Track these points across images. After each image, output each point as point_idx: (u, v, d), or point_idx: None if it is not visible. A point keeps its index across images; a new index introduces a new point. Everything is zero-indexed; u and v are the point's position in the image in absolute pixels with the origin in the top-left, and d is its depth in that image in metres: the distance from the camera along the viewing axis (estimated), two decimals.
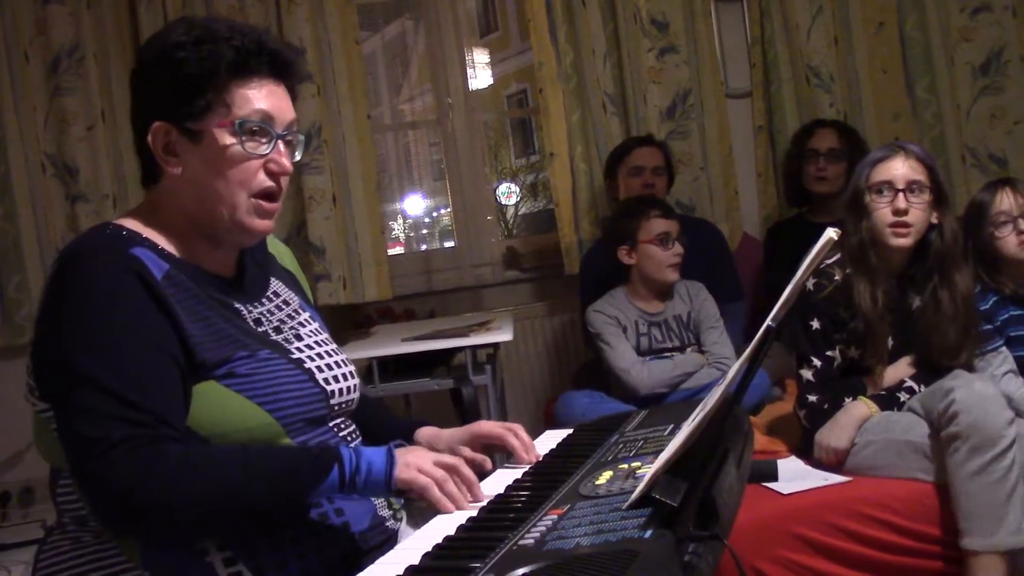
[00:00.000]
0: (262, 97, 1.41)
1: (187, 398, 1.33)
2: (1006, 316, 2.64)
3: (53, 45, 3.63)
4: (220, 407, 1.34)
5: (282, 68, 1.45)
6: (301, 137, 1.50)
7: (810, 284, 2.51)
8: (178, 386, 1.32)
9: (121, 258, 1.33)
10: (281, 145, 1.43)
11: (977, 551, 2.19)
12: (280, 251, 1.70)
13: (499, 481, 1.45)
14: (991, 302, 2.65)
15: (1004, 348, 2.61)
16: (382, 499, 1.52)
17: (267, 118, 1.41)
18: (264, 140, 1.41)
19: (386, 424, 1.72)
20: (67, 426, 1.28)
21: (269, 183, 1.43)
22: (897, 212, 2.45)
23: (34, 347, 1.35)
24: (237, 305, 1.46)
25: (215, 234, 1.44)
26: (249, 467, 1.30)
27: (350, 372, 1.56)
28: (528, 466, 1.54)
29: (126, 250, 1.34)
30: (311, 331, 1.56)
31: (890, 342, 2.53)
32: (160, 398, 1.29)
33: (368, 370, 2.98)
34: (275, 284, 1.58)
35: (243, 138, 1.39)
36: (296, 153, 1.48)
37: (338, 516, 1.42)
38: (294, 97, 1.50)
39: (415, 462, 1.36)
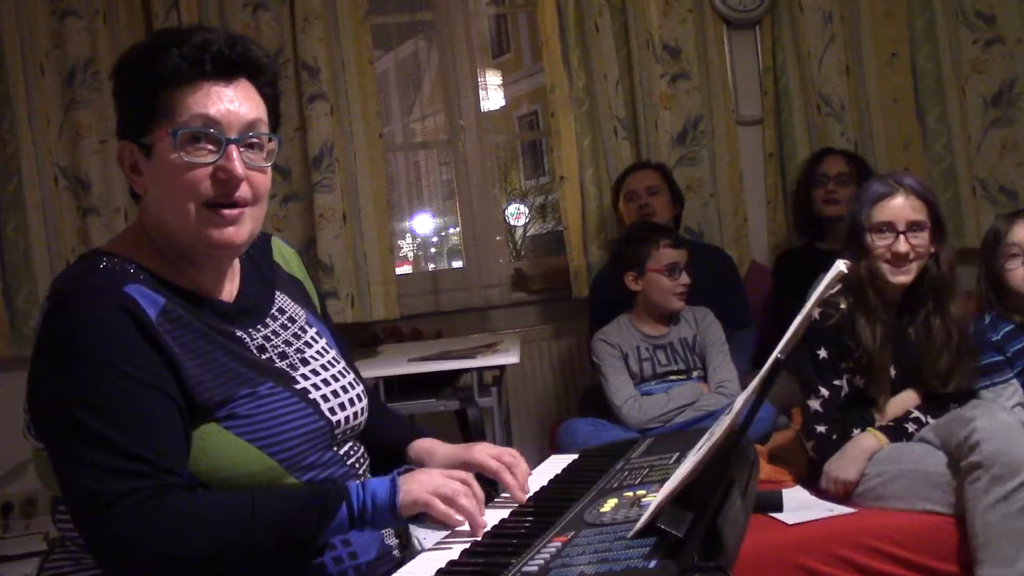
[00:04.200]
0: (206, 102, 1.33)
1: (188, 442, 1.29)
2: (1018, 346, 2.63)
3: (69, 58, 3.65)
4: (221, 452, 1.31)
5: (230, 66, 1.36)
6: (275, 137, 1.41)
7: (816, 313, 2.50)
8: (179, 430, 1.28)
9: (114, 298, 1.28)
10: (235, 151, 1.34)
11: None
12: (287, 256, 1.63)
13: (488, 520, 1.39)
14: (1003, 332, 2.64)
15: (1015, 380, 2.60)
16: (389, 528, 1.48)
17: (211, 123, 1.32)
18: (211, 147, 1.33)
19: (386, 432, 1.67)
20: (67, 478, 1.25)
21: (213, 192, 1.33)
22: (897, 255, 2.45)
23: (30, 388, 1.31)
24: (239, 333, 1.41)
25: (184, 250, 1.38)
26: (256, 514, 1.26)
27: (358, 395, 1.52)
28: (517, 505, 1.47)
29: (119, 288, 1.29)
30: (319, 350, 1.51)
31: (892, 371, 2.53)
32: (161, 445, 1.25)
33: (374, 389, 2.97)
34: (280, 299, 1.53)
35: (184, 147, 1.31)
36: (267, 155, 1.39)
37: (345, 547, 1.39)
38: (271, 93, 1.42)
39: (418, 488, 1.33)
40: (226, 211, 1.35)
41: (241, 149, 1.35)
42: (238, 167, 1.34)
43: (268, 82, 1.43)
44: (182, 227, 1.35)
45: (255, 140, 1.38)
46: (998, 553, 2.16)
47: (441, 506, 1.31)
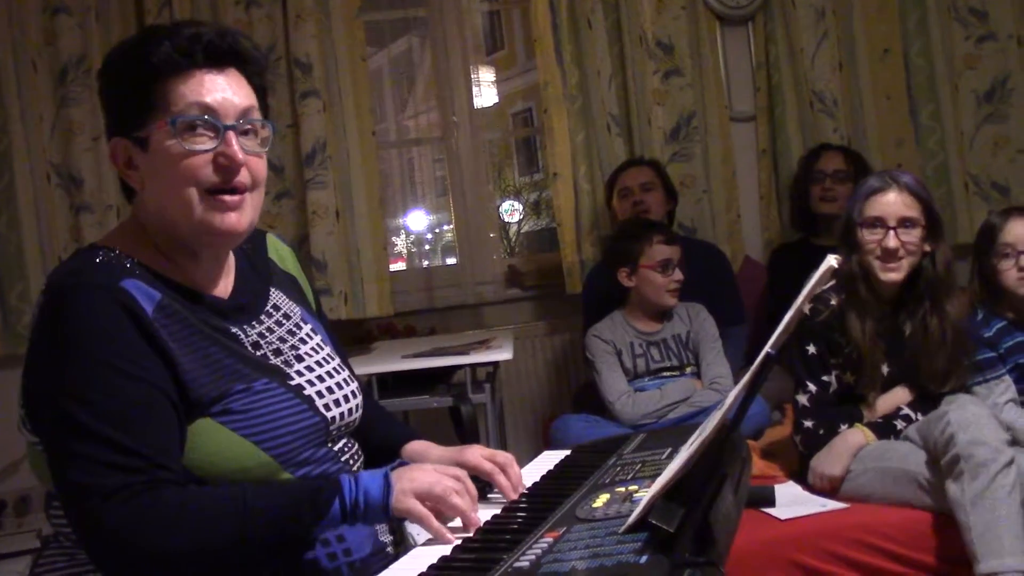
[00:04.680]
0: (201, 91, 1.34)
1: (183, 437, 1.30)
2: (1011, 343, 2.64)
3: (61, 55, 3.65)
4: (216, 447, 1.31)
5: (221, 56, 1.37)
6: (268, 123, 1.42)
7: (807, 309, 2.50)
8: (173, 425, 1.28)
9: (110, 293, 1.28)
10: (233, 137, 1.35)
11: (993, 573, 2.13)
12: (282, 253, 1.63)
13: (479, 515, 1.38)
14: (995, 328, 2.65)
15: (1007, 376, 2.61)
16: (383, 524, 1.47)
17: (208, 110, 1.34)
18: (210, 134, 1.34)
19: (380, 432, 1.67)
20: (60, 472, 1.25)
21: (216, 178, 1.35)
22: (886, 251, 2.45)
23: (25, 382, 1.32)
24: (234, 329, 1.41)
25: (186, 242, 1.39)
26: (249, 509, 1.26)
27: (353, 392, 1.52)
28: (508, 503, 1.48)
29: (116, 283, 1.29)
30: (313, 347, 1.51)
31: (885, 368, 2.53)
32: (154, 441, 1.25)
33: (368, 386, 2.97)
34: (275, 296, 1.53)
35: (183, 134, 1.33)
36: (262, 141, 1.41)
37: (339, 543, 1.38)
38: (259, 84, 1.43)
39: (412, 488, 1.32)
40: (228, 197, 1.36)
41: (237, 135, 1.37)
42: (238, 152, 1.35)
43: (257, 72, 1.44)
44: (184, 216, 1.35)
45: (249, 126, 1.39)
46: (993, 544, 2.14)
47: (435, 523, 1.31)
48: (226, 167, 1.35)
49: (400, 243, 7.47)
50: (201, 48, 1.35)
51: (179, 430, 1.29)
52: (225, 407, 1.32)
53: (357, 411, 1.53)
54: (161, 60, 1.33)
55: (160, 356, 1.29)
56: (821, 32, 3.95)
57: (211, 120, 1.35)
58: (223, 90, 1.37)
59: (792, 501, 2.47)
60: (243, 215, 1.38)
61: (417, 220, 8.28)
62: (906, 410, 2.50)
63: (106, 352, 1.26)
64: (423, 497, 1.32)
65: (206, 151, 1.34)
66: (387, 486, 1.32)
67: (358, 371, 1.63)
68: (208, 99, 1.35)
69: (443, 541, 1.30)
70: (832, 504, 2.44)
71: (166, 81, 1.34)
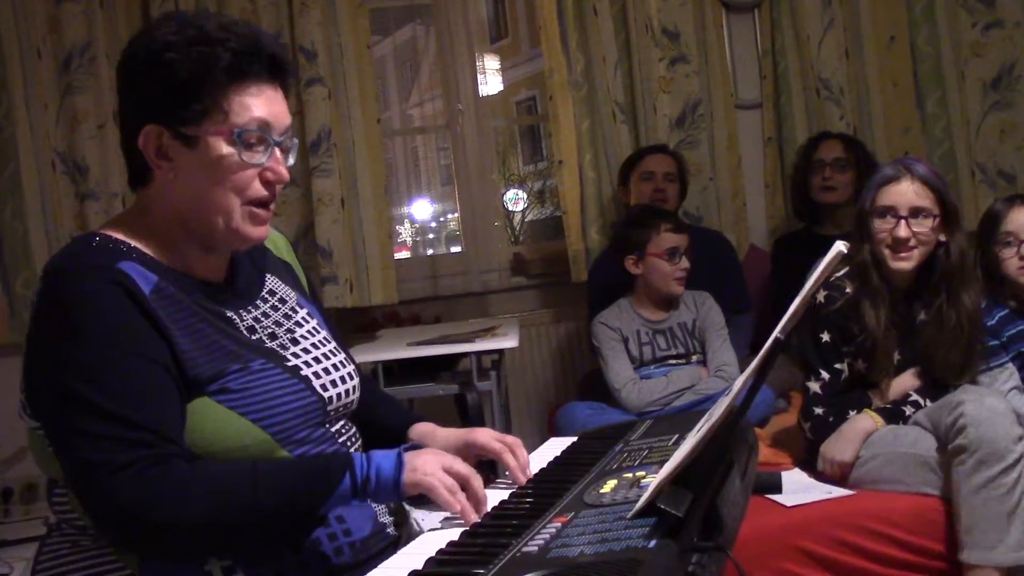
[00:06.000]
0: (260, 104, 1.36)
1: (184, 414, 1.31)
2: (1013, 331, 2.63)
3: (66, 43, 3.64)
4: (213, 425, 1.32)
5: (279, 70, 1.41)
6: (296, 141, 1.46)
7: (821, 297, 2.50)
8: (177, 402, 1.29)
9: (108, 274, 1.29)
10: (278, 152, 1.40)
11: (976, 565, 2.19)
12: (277, 241, 1.65)
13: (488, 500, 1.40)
14: (998, 317, 2.64)
15: (1010, 364, 2.60)
16: (383, 506, 1.49)
17: (265, 126, 1.37)
18: (261, 149, 1.37)
19: (383, 416, 1.69)
20: (67, 450, 1.26)
21: (264, 192, 1.39)
22: (897, 240, 2.44)
23: (25, 367, 1.32)
24: (229, 313, 1.42)
25: (208, 240, 1.40)
26: (259, 483, 1.27)
27: (350, 373, 1.53)
28: (517, 487, 1.49)
29: (113, 265, 1.30)
30: (309, 330, 1.53)
31: (896, 356, 2.52)
32: (160, 414, 1.26)
33: (373, 374, 2.98)
34: (271, 281, 1.55)
35: (241, 148, 1.35)
36: (290, 158, 1.44)
37: (339, 523, 1.40)
38: (287, 97, 1.45)
39: (423, 466, 1.34)
40: (262, 211, 1.40)
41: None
42: (284, 170, 1.40)
43: (288, 86, 1.47)
44: (222, 221, 1.37)
45: (287, 143, 1.43)
46: (982, 537, 2.18)
47: (445, 494, 1.32)
48: (272, 182, 1.40)
49: (404, 232, 7.47)
50: (264, 60, 1.38)
51: (181, 407, 1.31)
52: (222, 386, 1.33)
53: (355, 392, 1.54)
54: (226, 66, 1.34)
55: (159, 334, 1.30)
56: (827, 19, 3.94)
57: (266, 135, 1.37)
58: (278, 105, 1.40)
59: (798, 488, 2.47)
60: (268, 226, 1.44)
61: (422, 209, 8.29)
62: (915, 396, 2.50)
63: (108, 331, 1.27)
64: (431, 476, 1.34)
65: (257, 165, 1.37)
66: (400, 464, 1.34)
67: (363, 359, 1.64)
68: (267, 114, 1.37)
69: (451, 510, 1.32)
70: (838, 491, 2.44)
71: (227, 87, 1.35)
